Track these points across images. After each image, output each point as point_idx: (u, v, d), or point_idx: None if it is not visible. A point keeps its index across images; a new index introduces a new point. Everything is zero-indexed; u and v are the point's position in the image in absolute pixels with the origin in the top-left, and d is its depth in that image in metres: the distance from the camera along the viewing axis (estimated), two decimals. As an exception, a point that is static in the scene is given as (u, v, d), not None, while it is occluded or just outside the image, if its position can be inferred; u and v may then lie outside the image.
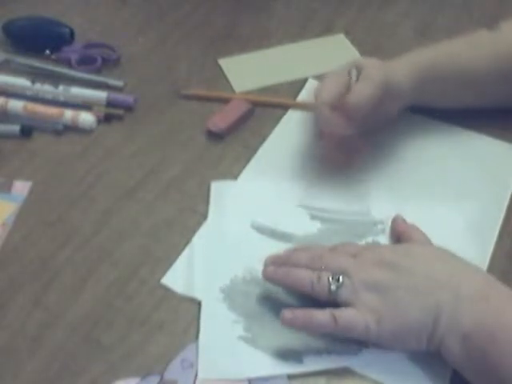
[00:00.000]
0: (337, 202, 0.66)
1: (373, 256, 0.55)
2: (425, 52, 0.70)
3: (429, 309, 0.51)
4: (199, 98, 0.77)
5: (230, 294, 0.58)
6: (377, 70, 0.65)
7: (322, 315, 0.53)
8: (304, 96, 0.77)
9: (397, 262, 0.54)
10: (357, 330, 0.52)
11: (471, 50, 0.70)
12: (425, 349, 0.52)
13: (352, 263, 0.55)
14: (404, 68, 0.68)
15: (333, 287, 0.53)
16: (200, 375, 0.53)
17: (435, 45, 0.71)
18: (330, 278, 0.53)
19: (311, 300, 0.55)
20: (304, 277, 0.55)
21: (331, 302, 0.53)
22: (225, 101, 0.76)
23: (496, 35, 0.71)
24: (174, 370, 0.53)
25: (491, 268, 0.59)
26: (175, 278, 0.60)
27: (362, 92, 0.63)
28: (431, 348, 0.52)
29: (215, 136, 0.73)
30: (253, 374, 0.53)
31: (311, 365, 0.53)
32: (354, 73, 0.65)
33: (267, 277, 0.57)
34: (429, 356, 0.53)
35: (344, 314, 0.52)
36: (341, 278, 0.53)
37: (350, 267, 0.54)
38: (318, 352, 0.54)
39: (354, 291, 0.53)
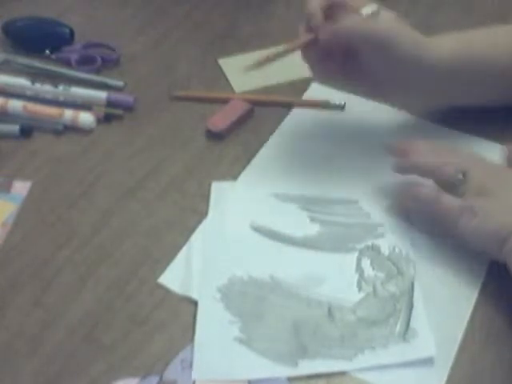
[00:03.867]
0: (334, 202, 0.66)
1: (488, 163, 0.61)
2: (448, 41, 0.68)
3: None
4: (196, 100, 0.77)
5: (228, 294, 0.58)
6: (388, 19, 0.63)
7: (429, 190, 0.60)
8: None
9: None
10: (450, 216, 0.57)
11: (493, 43, 0.69)
12: (495, 254, 0.55)
13: (473, 164, 0.60)
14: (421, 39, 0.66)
15: (456, 179, 0.58)
16: (194, 376, 0.53)
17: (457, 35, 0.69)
18: (459, 173, 0.58)
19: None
20: (432, 164, 0.60)
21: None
22: (225, 101, 0.76)
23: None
24: (173, 370, 0.53)
25: (491, 269, 0.59)
26: (173, 277, 0.60)
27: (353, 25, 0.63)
28: (503, 252, 0.54)
29: (215, 136, 0.73)
30: (246, 376, 0.53)
31: (306, 369, 0.53)
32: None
33: (398, 167, 0.63)
34: (423, 361, 0.53)
35: (447, 199, 0.58)
36: (466, 172, 0.58)
37: (472, 167, 0.59)
38: (314, 356, 0.54)
39: (470, 188, 0.58)
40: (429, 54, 0.65)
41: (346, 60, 0.66)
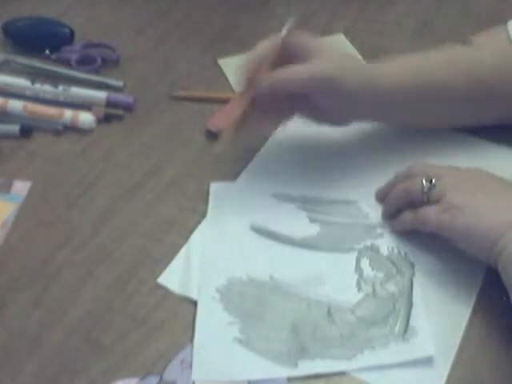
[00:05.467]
0: (333, 202, 0.66)
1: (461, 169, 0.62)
2: (396, 64, 0.67)
3: (504, 220, 0.55)
4: (196, 100, 0.77)
5: (227, 295, 0.58)
6: (325, 61, 0.62)
7: (406, 213, 0.61)
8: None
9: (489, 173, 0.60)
10: (430, 224, 0.58)
11: (445, 66, 0.68)
12: (485, 257, 0.55)
13: (442, 170, 0.61)
14: (364, 71, 0.65)
15: (425, 188, 0.59)
16: (194, 377, 0.53)
17: (404, 59, 0.68)
18: (424, 181, 0.59)
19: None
20: (399, 188, 0.62)
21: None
22: (225, 101, 0.76)
23: (467, 51, 0.69)
24: (173, 371, 0.53)
25: (490, 269, 0.59)
26: (172, 278, 0.60)
27: (294, 74, 0.62)
28: (491, 256, 0.55)
29: (215, 136, 0.73)
30: (246, 377, 0.53)
31: (305, 369, 0.53)
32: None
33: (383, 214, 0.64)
34: (423, 361, 0.53)
35: (423, 209, 0.59)
36: (433, 180, 0.59)
37: (441, 172, 0.60)
38: (313, 356, 0.54)
39: (443, 191, 0.58)
40: (379, 83, 0.65)
41: (293, 101, 0.65)
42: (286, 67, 0.62)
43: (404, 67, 0.67)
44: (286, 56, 0.63)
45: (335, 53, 0.65)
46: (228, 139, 0.64)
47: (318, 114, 0.66)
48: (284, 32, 0.63)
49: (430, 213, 0.58)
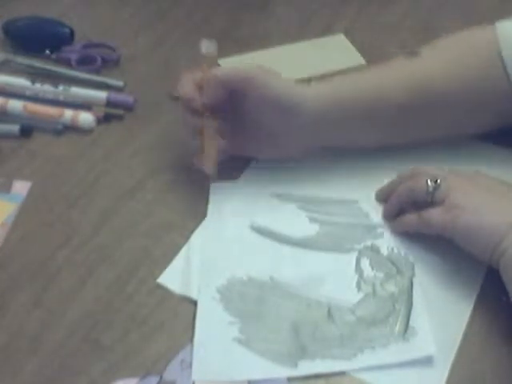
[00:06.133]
0: (333, 202, 0.66)
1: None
2: (332, 81, 0.67)
3: (506, 222, 0.55)
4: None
5: (227, 295, 0.58)
6: (256, 68, 0.63)
7: (409, 214, 0.61)
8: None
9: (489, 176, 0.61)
10: (434, 226, 0.58)
11: (385, 78, 0.66)
12: (487, 258, 0.56)
13: (446, 172, 0.61)
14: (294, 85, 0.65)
15: (430, 188, 0.59)
16: (194, 377, 0.53)
17: (346, 74, 0.68)
18: (429, 181, 0.59)
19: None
20: (403, 187, 0.62)
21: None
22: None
23: (413, 64, 0.68)
24: (173, 371, 0.53)
25: (490, 269, 0.59)
26: (172, 278, 0.60)
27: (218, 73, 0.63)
28: (493, 258, 0.55)
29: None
30: (246, 377, 0.53)
31: (306, 369, 0.53)
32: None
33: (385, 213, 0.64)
34: (423, 361, 0.53)
35: (427, 211, 0.59)
36: (438, 180, 0.59)
37: (445, 174, 0.60)
38: (313, 356, 0.54)
39: (447, 191, 0.58)
40: (303, 95, 0.64)
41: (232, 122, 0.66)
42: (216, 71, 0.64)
43: (327, 86, 0.66)
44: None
45: (272, 69, 0.65)
46: (214, 172, 0.65)
47: (255, 137, 0.66)
48: (204, 51, 0.65)
49: (434, 215, 0.58)
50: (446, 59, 0.67)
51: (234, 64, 0.82)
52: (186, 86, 0.64)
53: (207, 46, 0.66)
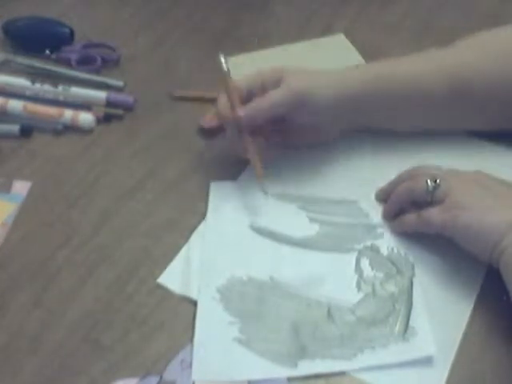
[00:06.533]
0: (333, 202, 0.66)
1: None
2: (368, 67, 0.69)
3: (506, 220, 0.55)
4: (196, 100, 0.77)
5: (227, 295, 0.58)
6: (296, 80, 0.64)
7: (408, 214, 0.61)
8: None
9: (489, 175, 0.61)
10: (434, 225, 0.58)
11: (422, 67, 0.68)
12: (487, 257, 0.56)
13: (446, 172, 0.61)
14: (336, 83, 0.66)
15: (430, 188, 0.59)
16: (194, 376, 0.53)
17: (381, 61, 0.69)
18: (428, 181, 0.59)
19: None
20: (403, 187, 0.62)
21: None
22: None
23: (448, 53, 0.69)
24: (173, 371, 0.53)
25: (490, 269, 0.59)
26: (172, 278, 0.60)
27: (268, 98, 0.63)
28: (493, 257, 0.55)
29: (208, 132, 0.73)
30: (246, 377, 0.53)
31: (305, 369, 0.53)
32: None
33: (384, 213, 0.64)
34: (423, 361, 0.53)
35: (427, 211, 0.59)
36: (438, 180, 0.59)
37: (445, 174, 0.61)
38: (313, 356, 0.54)
39: (447, 191, 0.58)
40: (349, 91, 0.66)
41: (277, 126, 0.67)
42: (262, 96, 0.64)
43: (368, 72, 0.68)
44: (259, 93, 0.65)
45: (303, 71, 0.66)
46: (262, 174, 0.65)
47: (301, 135, 0.68)
48: (225, 67, 0.65)
49: (434, 214, 0.58)
50: (485, 52, 0.68)
51: (234, 64, 0.82)
52: (224, 106, 0.64)
53: (225, 61, 0.66)
